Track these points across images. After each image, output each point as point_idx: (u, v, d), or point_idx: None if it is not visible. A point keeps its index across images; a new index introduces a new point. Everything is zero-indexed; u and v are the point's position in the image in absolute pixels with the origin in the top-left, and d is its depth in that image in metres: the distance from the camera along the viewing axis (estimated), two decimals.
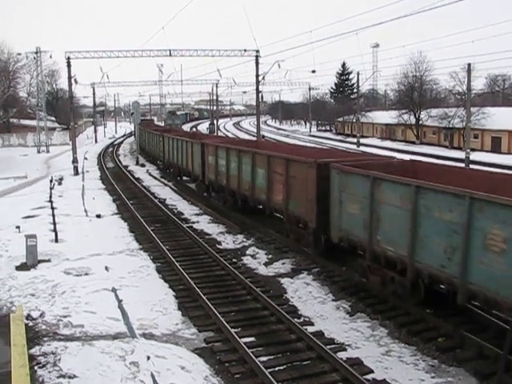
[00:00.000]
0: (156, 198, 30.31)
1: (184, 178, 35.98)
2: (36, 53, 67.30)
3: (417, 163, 16.89)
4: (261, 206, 21.77)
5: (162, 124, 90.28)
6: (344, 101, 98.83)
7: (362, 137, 74.35)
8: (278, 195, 19.31)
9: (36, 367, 10.07)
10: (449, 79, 69.02)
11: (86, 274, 15.99)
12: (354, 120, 78.64)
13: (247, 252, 19.01)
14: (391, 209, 12.96)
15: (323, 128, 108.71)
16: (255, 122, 56.76)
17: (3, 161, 50.47)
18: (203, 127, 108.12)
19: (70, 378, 9.71)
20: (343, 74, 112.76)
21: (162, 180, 38.44)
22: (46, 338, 11.47)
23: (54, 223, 21.05)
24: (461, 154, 46.80)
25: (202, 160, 28.14)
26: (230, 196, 24.53)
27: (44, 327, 12.10)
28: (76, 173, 41.70)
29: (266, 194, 20.20)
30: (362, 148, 61.94)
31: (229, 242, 20.58)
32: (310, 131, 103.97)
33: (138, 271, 16.49)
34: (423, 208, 11.84)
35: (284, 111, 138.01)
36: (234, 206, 24.29)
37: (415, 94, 72.24)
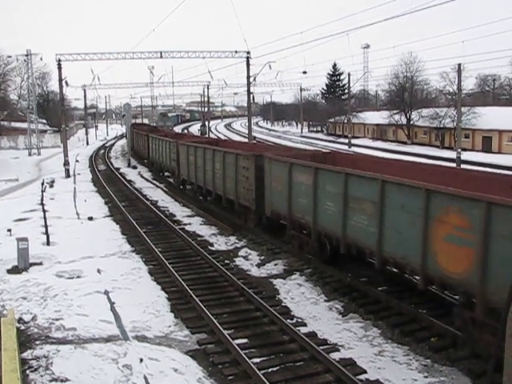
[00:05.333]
0: (148, 200, 30.24)
1: None
2: (26, 55, 67.07)
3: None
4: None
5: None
6: (335, 101, 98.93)
7: (354, 137, 74.49)
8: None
9: (28, 371, 10.03)
10: (439, 79, 69.40)
11: (78, 277, 15.94)
12: (346, 121, 78.77)
13: (239, 253, 19.00)
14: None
15: (315, 129, 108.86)
16: (247, 124, 56.78)
17: None
18: (195, 129, 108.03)
19: (62, 381, 9.67)
20: (334, 74, 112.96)
21: (154, 182, 38.37)
22: (38, 342, 11.41)
23: (46, 226, 20.96)
24: (452, 154, 46.99)
25: None
26: None
27: (36, 331, 12.04)
28: (67, 175, 41.55)
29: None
30: (354, 148, 62.03)
31: (221, 243, 20.56)
32: (302, 132, 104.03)
33: (130, 273, 16.44)
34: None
35: (275, 112, 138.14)
36: None
37: (406, 94, 72.47)
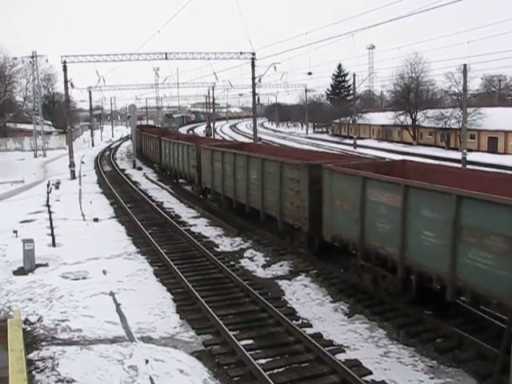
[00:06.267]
0: (153, 201, 30.25)
1: None
2: (32, 57, 67.28)
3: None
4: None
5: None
6: (340, 102, 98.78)
7: (359, 138, 74.40)
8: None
9: (34, 372, 10.06)
10: (445, 80, 69.22)
11: (84, 278, 15.98)
12: (351, 121, 78.70)
13: (245, 254, 19.00)
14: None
15: (320, 130, 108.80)
16: (252, 125, 56.79)
17: (0, 165, 50.35)
18: (200, 130, 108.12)
19: (68, 382, 9.71)
20: (339, 75, 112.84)
21: (160, 183, 38.40)
22: (44, 343, 11.45)
23: (52, 227, 20.99)
24: (457, 155, 46.85)
25: None
26: None
27: (42, 332, 12.08)
28: (73, 177, 41.67)
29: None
30: (359, 149, 61.94)
31: (226, 244, 20.56)
32: (307, 133, 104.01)
33: (135, 275, 16.46)
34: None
35: (280, 113, 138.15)
36: None
37: (411, 95, 72.31)
